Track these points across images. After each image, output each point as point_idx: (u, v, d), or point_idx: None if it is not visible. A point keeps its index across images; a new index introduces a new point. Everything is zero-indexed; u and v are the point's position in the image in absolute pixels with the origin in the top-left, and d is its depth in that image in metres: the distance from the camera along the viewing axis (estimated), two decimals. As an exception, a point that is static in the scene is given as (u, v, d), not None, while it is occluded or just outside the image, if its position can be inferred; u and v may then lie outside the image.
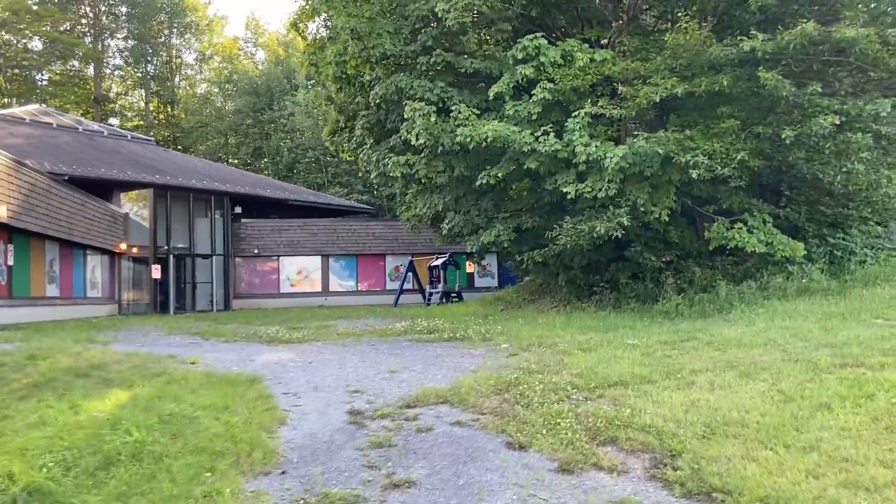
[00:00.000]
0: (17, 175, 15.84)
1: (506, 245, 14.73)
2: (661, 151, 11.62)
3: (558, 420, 5.96)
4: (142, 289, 27.13)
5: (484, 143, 12.91)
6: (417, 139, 13.81)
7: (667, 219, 12.54)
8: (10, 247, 16.56)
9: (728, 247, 12.32)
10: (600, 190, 12.25)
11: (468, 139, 12.93)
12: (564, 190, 12.72)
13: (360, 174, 42.51)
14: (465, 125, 13.03)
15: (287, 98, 44.69)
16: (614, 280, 14.86)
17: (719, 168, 11.52)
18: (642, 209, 12.44)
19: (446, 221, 15.91)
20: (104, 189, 25.97)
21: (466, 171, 14.49)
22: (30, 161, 23.35)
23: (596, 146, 12.19)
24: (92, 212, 21.98)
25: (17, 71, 50.81)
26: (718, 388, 6.79)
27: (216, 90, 53.64)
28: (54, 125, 30.96)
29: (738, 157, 11.40)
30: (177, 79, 57.98)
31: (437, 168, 14.61)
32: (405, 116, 13.82)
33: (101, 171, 25.67)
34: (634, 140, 12.18)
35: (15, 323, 16.08)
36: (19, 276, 17.15)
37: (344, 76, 15.63)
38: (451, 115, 13.70)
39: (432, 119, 13.62)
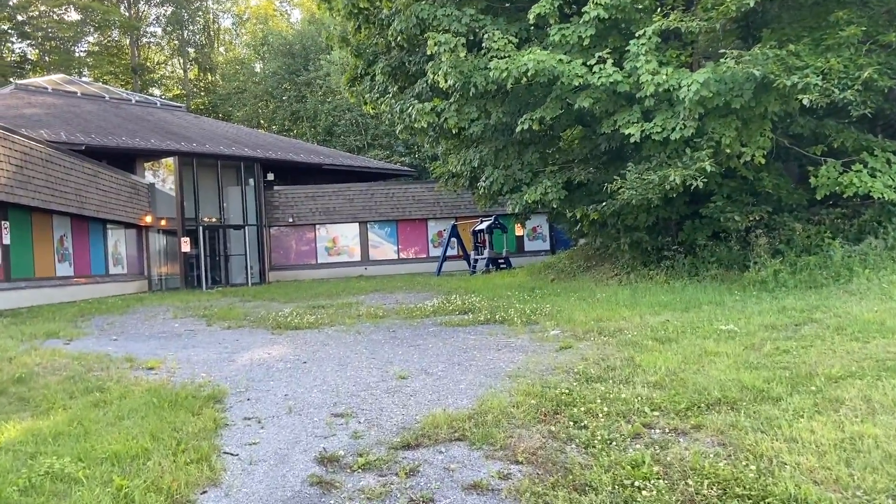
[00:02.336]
0: (4, 144, 14.19)
1: (554, 204, 12.30)
2: (757, 73, 8.94)
3: (636, 484, 3.68)
4: (174, 263, 25.81)
5: (524, 80, 10.47)
6: (445, 80, 11.43)
7: (762, 161, 9.88)
8: (6, 224, 15.06)
9: (844, 195, 9.61)
10: (674, 129, 9.68)
11: (504, 75, 10.50)
12: (626, 132, 10.19)
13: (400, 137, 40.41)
14: (501, 57, 10.56)
15: (322, 58, 42.54)
16: (689, 242, 12.29)
17: (837, 92, 8.78)
18: (728, 151, 9.81)
19: (484, 178, 13.54)
20: (126, 159, 24.54)
21: (505, 116, 12.07)
22: (44, 131, 22.00)
23: (667, 74, 9.58)
24: (108, 183, 20.45)
25: (53, 43, 50.14)
26: (883, 410, 4.41)
27: (252, 53, 51.96)
28: (79, 94, 29.69)
29: (864, 75, 8.63)
30: (215, 45, 56.62)
31: (469, 115, 12.22)
32: (429, 53, 11.41)
33: (121, 139, 24.16)
34: (718, 64, 9.49)
35: (14, 308, 14.65)
36: (19, 256, 15.68)
37: (356, 10, 13.26)
38: (483, 48, 11.24)
39: (461, 54, 11.21)
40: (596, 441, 4.35)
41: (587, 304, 10.11)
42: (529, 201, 12.32)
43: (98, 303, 16.94)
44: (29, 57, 50.50)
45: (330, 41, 15.43)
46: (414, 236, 29.73)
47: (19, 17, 47.48)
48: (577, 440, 4.41)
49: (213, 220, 26.37)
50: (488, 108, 12.14)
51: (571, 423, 4.73)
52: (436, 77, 11.39)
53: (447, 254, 26.36)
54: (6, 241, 15.04)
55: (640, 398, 5.13)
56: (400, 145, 40.65)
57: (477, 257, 24.75)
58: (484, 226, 24.34)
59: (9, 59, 49.12)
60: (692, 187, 9.91)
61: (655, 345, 6.89)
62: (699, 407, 4.87)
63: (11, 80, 32.93)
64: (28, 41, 49.92)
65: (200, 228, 25.53)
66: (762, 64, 8.99)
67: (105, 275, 20.89)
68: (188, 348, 8.57)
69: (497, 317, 9.89)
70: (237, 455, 4.49)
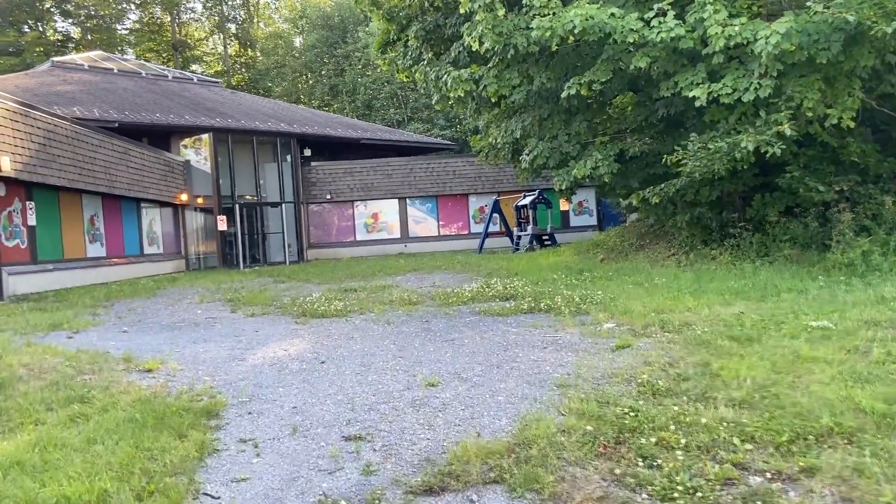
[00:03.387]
0: (25, 121, 13.65)
1: (606, 179, 11.10)
2: (851, 19, 7.56)
3: (742, 571, 2.66)
4: (211, 242, 25.42)
5: (571, 39, 9.30)
6: (481, 44, 10.29)
7: (851, 124, 8.51)
8: (31, 204, 14.61)
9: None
10: (746, 90, 8.40)
11: (548, 34, 9.33)
12: (690, 95, 8.94)
13: (439, 109, 39.21)
14: (544, 15, 9.36)
15: (360, 29, 41.49)
16: (759, 218, 10.97)
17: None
18: (808, 114, 8.47)
19: (527, 151, 12.39)
20: (161, 136, 24.11)
21: (549, 81, 10.90)
22: (77, 108, 21.62)
23: (740, 25, 8.25)
24: (140, 160, 19.96)
25: (95, 21, 50.23)
26: None
27: (290, 27, 51.25)
28: (115, 70, 29.37)
29: None
30: (254, 19, 56.08)
31: (510, 81, 11.08)
32: (462, 11, 10.27)
33: (155, 116, 23.68)
34: (801, 13, 8.11)
35: (41, 291, 14.25)
36: (46, 238, 15.26)
37: (386, -33, 12.20)
38: (524, 5, 10.04)
39: (500, 12, 10.03)
40: (676, 490, 3.32)
41: (644, 290, 8.97)
42: (578, 177, 11.16)
43: (129, 284, 16.49)
44: (72, 36, 50.81)
45: (361, 5, 14.34)
46: (455, 212, 28.73)
47: (61, -4, 47.64)
48: (650, 487, 3.39)
49: (251, 197, 25.83)
50: (530, 72, 10.97)
51: (640, 461, 3.70)
52: (471, 40, 10.26)
53: (489, 230, 25.28)
54: (31, 221, 14.60)
55: (725, 424, 4.06)
56: (440, 118, 39.49)
57: (520, 234, 23.63)
58: (527, 201, 23.16)
59: (52, 38, 49.49)
60: (767, 155, 8.61)
61: (733, 345, 5.77)
62: (805, 439, 3.78)
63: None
64: (70, 20, 50.20)
65: (237, 206, 25.03)
66: (856, 9, 7.60)
67: (140, 255, 20.53)
68: (199, 342, 7.79)
69: (542, 305, 8.85)
70: (218, 499, 3.61)
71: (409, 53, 13.48)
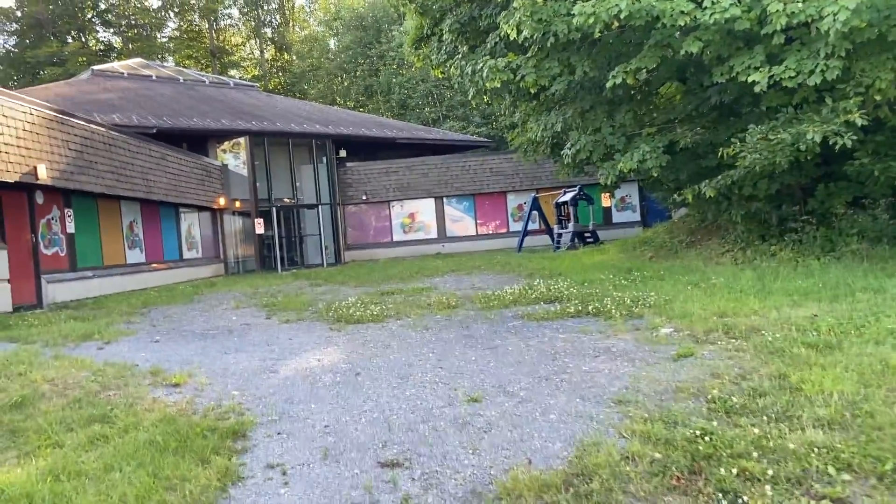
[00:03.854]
0: (62, 129, 13.62)
1: (655, 173, 10.47)
2: (931, -10, 6.85)
3: None
4: (250, 246, 25.42)
5: (616, 24, 8.71)
6: (520, 32, 9.78)
7: (929, 109, 7.78)
8: (70, 212, 14.61)
9: None
10: (812, 72, 7.72)
11: (591, 20, 8.77)
12: (749, 80, 8.29)
13: (475, 105, 38.67)
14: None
15: (395, 28, 41.26)
16: (822, 210, 10.21)
17: None
18: (877, 98, 7.75)
19: (569, 145, 11.82)
20: (198, 140, 24.18)
21: (592, 70, 10.33)
22: (116, 115, 21.78)
23: (803, 1, 7.57)
24: (177, 166, 19.95)
25: (135, 31, 51.13)
26: None
27: (325, 30, 51.40)
28: (153, 77, 29.67)
29: None
30: (290, 24, 56.43)
31: (550, 71, 10.53)
32: (499, 1, 9.77)
33: (192, 121, 23.76)
34: (871, -16, 7.41)
35: (80, 298, 14.22)
36: (86, 245, 15.27)
37: (420, -41, 11.77)
38: (566, -10, 9.50)
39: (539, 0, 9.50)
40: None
41: (701, 291, 8.35)
42: (625, 170, 10.55)
43: (168, 290, 16.43)
44: (114, 45, 51.82)
45: (394, 1, 13.95)
46: (493, 210, 28.22)
47: (102, 5, 48.57)
48: (737, 533, 2.87)
49: (288, 200, 25.74)
50: (572, 61, 10.42)
51: (721, 496, 3.18)
52: (509, 28, 9.76)
53: (528, 228, 24.71)
54: (70, 229, 14.61)
55: (816, 449, 3.51)
56: (476, 116, 39.03)
57: (561, 231, 22.99)
58: (568, 197, 22.52)
59: (95, 48, 50.55)
60: (836, 147, 7.90)
61: (811, 354, 5.16)
62: (917, 473, 3.21)
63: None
64: (111, 29, 51.20)
65: (274, 209, 24.97)
66: (936, -22, 6.90)
67: (179, 260, 20.55)
68: (231, 353, 7.46)
69: (590, 308, 8.30)
70: (238, 539, 3.21)
71: (444, 48, 13.03)
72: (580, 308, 8.41)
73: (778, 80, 8.10)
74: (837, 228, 9.86)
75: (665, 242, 14.03)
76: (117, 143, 16.22)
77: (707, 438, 3.75)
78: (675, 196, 12.03)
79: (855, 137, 7.87)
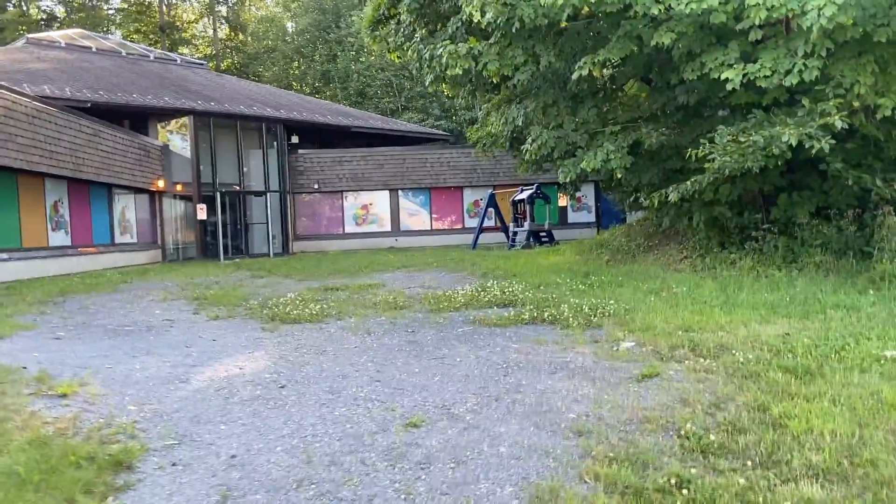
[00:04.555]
0: (-25, 96, 12.36)
1: (619, 174, 9.93)
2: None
3: None
4: (191, 232, 24.15)
5: (586, 9, 8.12)
6: (483, 14, 9.09)
7: (905, 116, 7.39)
8: (-17, 188, 13.33)
9: None
10: (789, 72, 7.25)
11: (560, 3, 8.11)
12: (722, 77, 7.77)
13: (435, 96, 37.89)
14: (556, -19, 8.17)
15: (354, 13, 40.11)
16: (785, 219, 9.85)
17: None
18: (855, 103, 7.35)
19: (530, 140, 11.20)
20: (138, 118, 22.80)
21: (558, 60, 9.70)
22: (48, 86, 20.28)
23: (784, -5, 7.08)
24: (112, 143, 18.65)
25: (80, 1, 48.63)
26: None
27: (282, 11, 49.83)
28: (93, 49, 27.97)
29: None
30: (245, 2, 54.55)
31: (513, 59, 9.88)
32: (461, -24, 9.08)
33: (132, 97, 22.36)
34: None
35: (-8, 283, 12.98)
36: (2, 224, 13.98)
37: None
38: (533, -27, 8.84)
39: (505, -20, 8.83)
40: None
41: (662, 300, 7.83)
42: (588, 169, 9.98)
43: (93, 277, 15.25)
44: (56, 15, 49.19)
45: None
46: (448, 205, 27.55)
47: (44, -27, 45.99)
48: None
49: (234, 186, 24.54)
50: (537, 50, 9.79)
51: (707, 574, 2.55)
52: (471, 10, 9.06)
53: (484, 225, 24.13)
54: (-17, 206, 13.33)
55: (814, 511, 2.92)
56: (436, 108, 38.27)
57: (517, 230, 22.47)
58: (525, 195, 22.00)
59: (37, 17, 47.89)
60: (813, 151, 7.45)
61: (789, 380, 4.63)
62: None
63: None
64: (55, -2, 48.60)
65: (218, 194, 23.73)
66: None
67: (110, 244, 19.26)
68: (140, 355, 6.58)
69: (546, 315, 7.69)
70: None
71: (402, 30, 12.25)
72: (535, 314, 7.80)
73: (752, 78, 7.63)
74: (800, 239, 9.50)
75: (622, 246, 13.58)
76: (42, 116, 14.94)
77: (684, 490, 3.13)
78: (640, 198, 11.55)
79: (833, 142, 7.45)
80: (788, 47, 7.55)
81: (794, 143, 7.26)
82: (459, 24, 10.55)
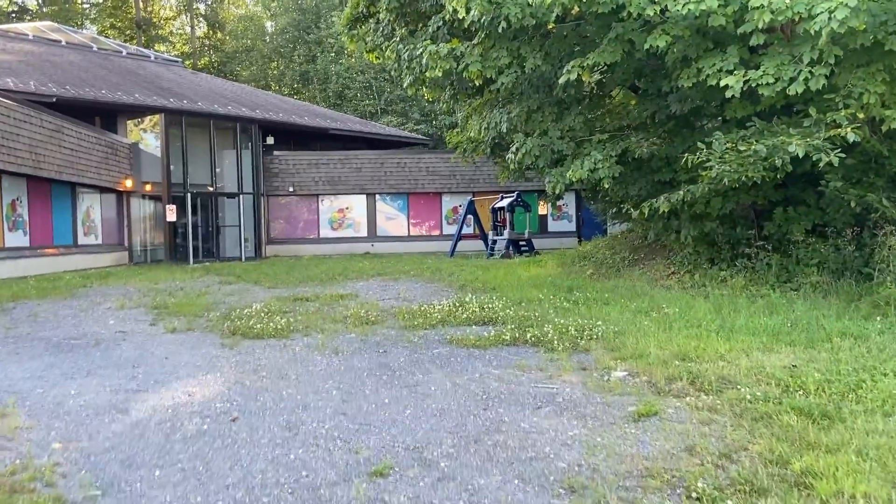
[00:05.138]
0: (-78, 86, 11.52)
1: (606, 184, 9.43)
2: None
3: None
4: (160, 233, 23.29)
5: (576, 9, 7.59)
6: (468, 11, 8.55)
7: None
8: (-70, 184, 12.48)
9: None
10: (794, 80, 6.79)
11: (546, 6, 7.59)
12: (721, 83, 7.30)
13: (415, 100, 37.35)
14: (546, -21, 7.64)
15: (335, 14, 39.45)
16: (780, 236, 9.42)
17: None
18: (861, 115, 6.92)
19: (514, 148, 10.68)
20: (106, 115, 21.93)
21: (545, 63, 9.19)
22: (11, 79, 19.37)
23: (790, -1, 6.63)
24: (76, 140, 17.81)
25: (53, -6, 47.29)
26: None
27: (262, 10, 49.00)
28: (63, 43, 27.01)
29: None
30: (225, 1, 53.59)
31: (497, 61, 9.36)
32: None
33: (101, 92, 21.49)
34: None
35: (-63, 286, 12.14)
36: (-50, 224, 13.14)
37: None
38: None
39: (491, -23, 8.29)
40: None
41: (653, 322, 7.32)
42: (574, 179, 9.47)
43: (51, 281, 14.43)
44: (28, 7, 47.81)
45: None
46: (426, 211, 26.99)
47: (16, -37, 44.71)
48: None
49: (209, 187, 23.72)
50: (522, 52, 9.27)
51: None
52: (455, 5, 8.50)
53: (462, 232, 23.59)
54: (-71, 205, 12.48)
55: None
56: (415, 112, 37.73)
57: (496, 238, 21.97)
58: (505, 203, 21.51)
59: (7, 8, 46.51)
60: (820, 164, 6.98)
61: (807, 426, 4.11)
62: None
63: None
64: (26, -10, 47.19)
65: (189, 195, 22.92)
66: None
67: (73, 245, 18.39)
68: (80, 376, 5.91)
69: (529, 336, 7.13)
70: None
71: (381, 29, 11.67)
72: (517, 335, 7.24)
73: (755, 86, 7.16)
74: (795, 257, 9.07)
75: (606, 259, 13.10)
76: (-1, 109, 14.11)
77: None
78: (626, 209, 11.05)
79: (843, 155, 7.00)
80: (792, 53, 7.11)
81: (801, 155, 6.80)
82: (441, 23, 10.00)
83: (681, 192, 8.25)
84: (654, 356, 5.88)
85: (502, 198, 22.08)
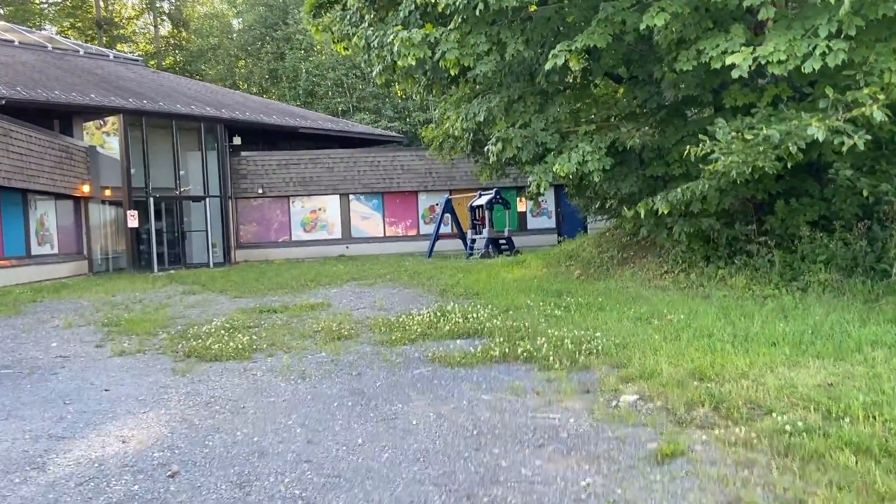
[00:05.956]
0: None
1: (596, 178, 8.67)
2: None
3: None
4: (122, 240, 22.14)
5: (562, -14, 6.79)
6: (442, -7, 7.74)
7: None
8: None
9: None
10: (809, 55, 6.09)
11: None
12: (728, 62, 6.59)
13: (388, 97, 36.44)
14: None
15: (302, 9, 38.41)
16: (782, 231, 8.77)
17: None
18: (881, 96, 6.26)
19: (493, 141, 9.90)
20: (60, 117, 20.75)
21: (527, 49, 8.42)
22: (-46, 81, 18.13)
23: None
24: (25, 144, 16.68)
25: (8, -7, 45.46)
26: None
27: (228, 7, 47.66)
28: (16, 43, 25.63)
29: None
30: (189, -1, 52.09)
31: (476, 47, 8.56)
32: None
33: (53, 93, 20.25)
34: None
35: None
36: None
37: None
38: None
39: (467, -46, 7.49)
40: None
41: (658, 332, 6.59)
42: (562, 174, 8.72)
43: (-2, 295, 13.38)
44: (-18, 8, 45.91)
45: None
46: (402, 211, 26.14)
47: (-34, -39, 42.87)
48: None
49: (175, 191, 22.61)
50: (502, 37, 8.50)
51: None
52: (428, -14, 7.70)
53: (440, 231, 22.78)
54: None
55: None
56: (389, 109, 36.82)
57: (475, 237, 21.21)
58: (483, 200, 20.74)
59: (-41, 10, 44.59)
60: (844, 149, 6.29)
61: (870, 468, 3.39)
62: None
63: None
64: (-21, -11, 45.28)
65: (152, 199, 21.82)
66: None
67: (25, 256, 17.24)
68: (0, 418, 5.01)
69: (520, 351, 6.37)
70: None
71: (348, 17, 10.80)
72: (507, 350, 6.47)
73: (764, 63, 6.46)
74: (800, 253, 8.43)
75: (593, 258, 12.40)
76: (-66, 112, 12.97)
77: None
78: (613, 205, 10.36)
79: (869, 137, 6.33)
80: (805, 27, 6.44)
81: (821, 139, 6.12)
82: (413, 6, 9.18)
83: (679, 191, 7.54)
84: (667, 375, 5.15)
85: (480, 195, 21.33)
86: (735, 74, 6.68)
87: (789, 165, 6.85)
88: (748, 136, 6.55)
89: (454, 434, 4.41)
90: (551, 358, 6.00)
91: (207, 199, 23.33)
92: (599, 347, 6.15)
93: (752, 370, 5.10)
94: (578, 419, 4.54)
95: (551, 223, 26.47)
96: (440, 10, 8.39)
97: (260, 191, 25.07)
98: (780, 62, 6.38)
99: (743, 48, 6.61)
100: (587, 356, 5.97)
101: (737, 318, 6.80)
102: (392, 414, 4.91)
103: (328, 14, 11.66)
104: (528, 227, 26.17)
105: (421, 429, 4.55)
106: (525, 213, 26.18)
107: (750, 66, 6.53)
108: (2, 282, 15.48)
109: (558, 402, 4.94)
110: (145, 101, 22.50)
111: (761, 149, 6.43)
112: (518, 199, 24.83)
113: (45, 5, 49.51)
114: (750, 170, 6.64)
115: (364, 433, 4.52)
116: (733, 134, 6.71)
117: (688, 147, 7.23)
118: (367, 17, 10.41)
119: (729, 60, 6.62)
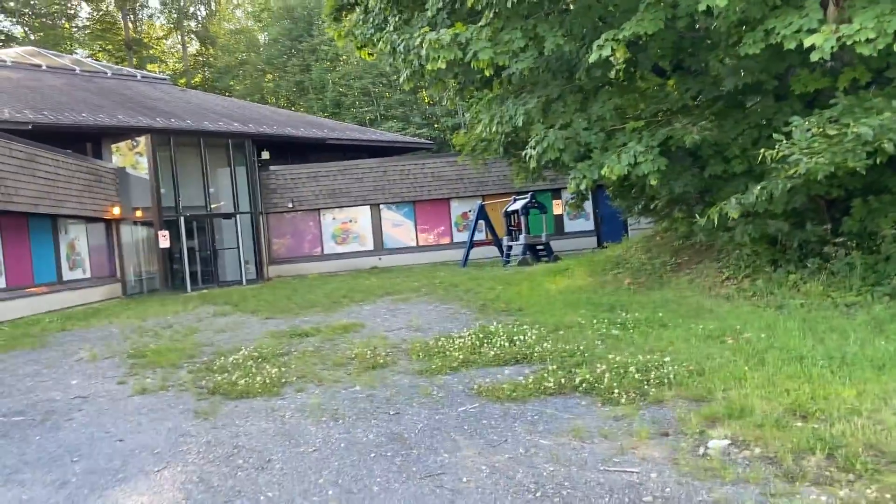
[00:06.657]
0: None
1: (653, 180, 7.86)
2: None
3: None
4: (155, 261, 21.93)
5: (608, -31, 6.03)
6: (472, -13, 7.05)
7: None
8: None
9: None
10: (903, 32, 5.23)
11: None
12: (807, 43, 5.75)
13: (416, 104, 35.94)
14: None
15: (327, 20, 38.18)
16: (861, 231, 7.86)
17: None
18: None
19: (532, 143, 9.15)
20: (89, 139, 20.64)
21: (567, 43, 7.67)
22: (-18, 108, 18.08)
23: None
24: (52, 169, 16.45)
25: (42, 20, 46.27)
26: None
27: (253, 22, 47.84)
28: (44, 67, 25.77)
29: None
30: (216, 16, 52.46)
31: (511, 44, 7.84)
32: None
33: (80, 116, 20.15)
34: None
35: None
36: None
37: None
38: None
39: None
40: None
41: (736, 353, 5.77)
42: (613, 176, 7.94)
43: (25, 326, 13.09)
44: (14, 35, 46.77)
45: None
46: (434, 219, 25.48)
47: (0, -9, 43.69)
48: None
49: (209, 209, 22.34)
50: (539, 30, 7.77)
51: None
52: (457, -20, 7.03)
53: (475, 239, 22.07)
54: None
55: None
56: (417, 116, 36.33)
57: (511, 244, 20.45)
58: (519, 205, 19.98)
59: (-8, 38, 45.50)
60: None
61: None
62: None
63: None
64: (13, 18, 46.12)
65: (182, 219, 21.57)
66: None
67: (57, 282, 17.00)
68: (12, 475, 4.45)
69: (578, 380, 5.62)
70: None
71: (371, 19, 10.20)
72: (563, 379, 5.73)
73: (849, 43, 5.64)
74: (885, 255, 7.52)
75: (643, 264, 11.55)
76: (-43, 140, 12.76)
77: None
78: (658, 205, 9.54)
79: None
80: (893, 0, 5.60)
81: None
82: (441, 4, 8.51)
83: (755, 192, 6.71)
84: (760, 412, 4.36)
85: (515, 200, 20.58)
86: (815, 57, 5.85)
87: (879, 161, 5.99)
88: (831, 132, 5.72)
89: (513, 495, 3.71)
90: (615, 389, 5.25)
91: (238, 216, 23.00)
92: (671, 376, 5.36)
93: (864, 404, 4.28)
94: (661, 473, 3.79)
95: (590, 225, 25.53)
96: (469, 5, 7.72)
97: (290, 205, 24.69)
98: (868, 40, 5.54)
99: (823, 27, 5.78)
100: (658, 387, 5.20)
101: (824, 333, 5.96)
102: (438, 467, 4.22)
103: (349, 17, 11.07)
104: (566, 230, 25.28)
105: (472, 488, 3.86)
106: (562, 215, 25.30)
107: (832, 48, 5.70)
108: (33, 310, 15.23)
109: (632, 449, 4.19)
110: (173, 120, 22.30)
111: (849, 146, 5.59)
112: (554, 202, 24.01)
113: (76, 30, 50.29)
114: (833, 167, 5.80)
115: (406, 496, 3.85)
116: (815, 130, 5.87)
117: (762, 150, 6.37)
118: (390, 19, 9.78)
119: (808, 42, 5.80)
